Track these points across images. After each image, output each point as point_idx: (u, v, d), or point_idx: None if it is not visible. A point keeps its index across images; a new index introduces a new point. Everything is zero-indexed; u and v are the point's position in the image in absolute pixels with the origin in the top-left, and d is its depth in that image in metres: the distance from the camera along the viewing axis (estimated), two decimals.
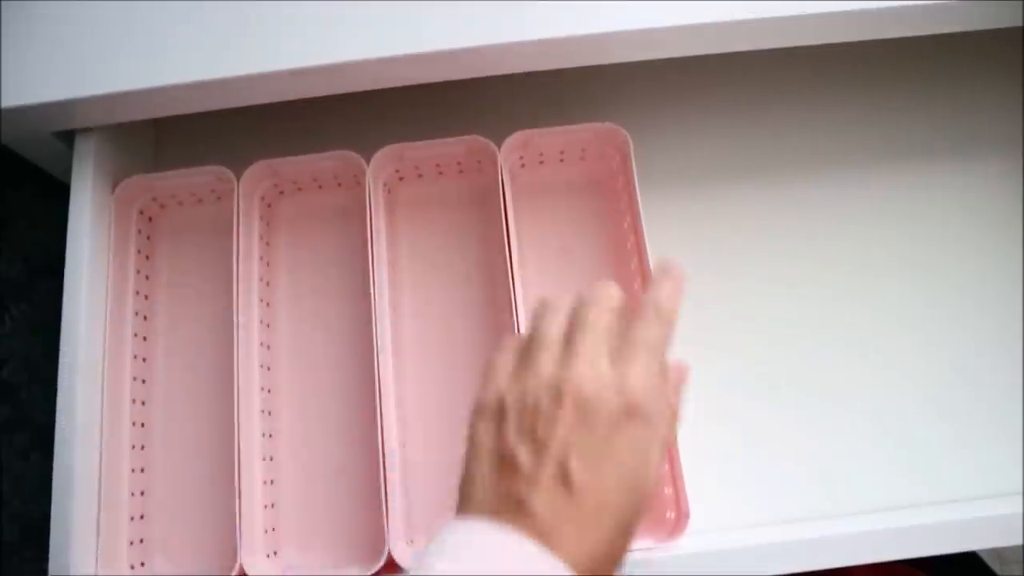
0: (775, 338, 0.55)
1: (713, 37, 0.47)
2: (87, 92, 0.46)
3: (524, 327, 0.37)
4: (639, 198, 0.51)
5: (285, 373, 0.53)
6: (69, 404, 0.46)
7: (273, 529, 0.50)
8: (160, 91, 0.46)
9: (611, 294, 0.36)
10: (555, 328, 0.35)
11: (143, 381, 0.52)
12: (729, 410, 0.53)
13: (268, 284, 0.54)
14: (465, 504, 0.33)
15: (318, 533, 0.50)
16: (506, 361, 0.36)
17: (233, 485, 0.46)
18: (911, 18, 0.47)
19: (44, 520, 0.44)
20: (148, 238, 0.55)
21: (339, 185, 0.56)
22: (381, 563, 0.45)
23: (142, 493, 0.51)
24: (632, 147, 0.52)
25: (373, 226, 0.51)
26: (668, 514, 0.47)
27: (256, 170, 0.53)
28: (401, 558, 0.45)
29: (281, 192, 0.56)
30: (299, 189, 0.56)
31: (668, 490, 0.48)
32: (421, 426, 0.52)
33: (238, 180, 0.52)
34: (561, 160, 0.57)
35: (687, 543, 0.45)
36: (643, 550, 0.45)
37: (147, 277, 0.54)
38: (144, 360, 0.53)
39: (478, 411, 0.35)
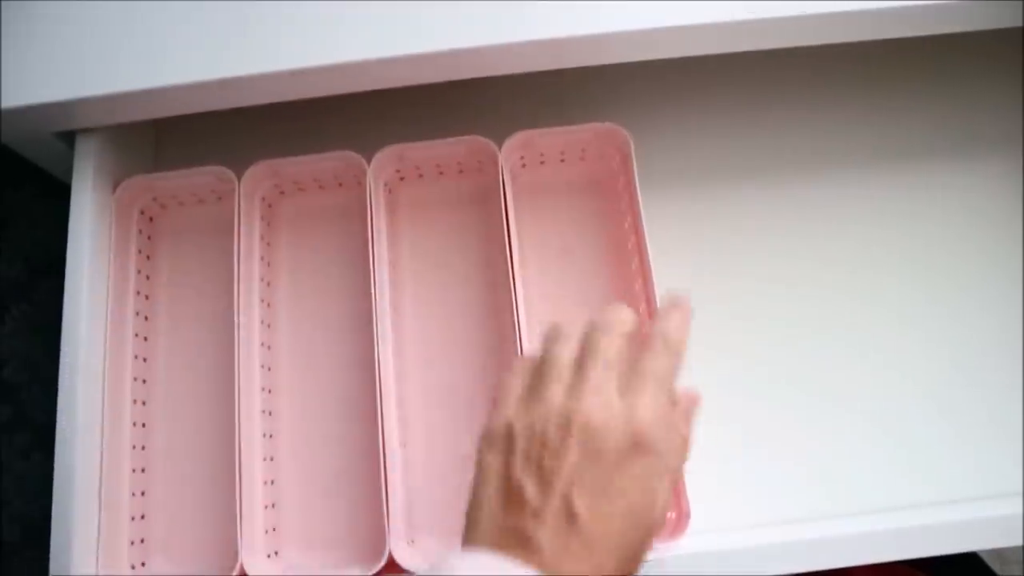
0: (775, 338, 0.55)
1: (713, 37, 0.47)
2: (88, 92, 0.46)
3: (536, 350, 0.37)
4: (640, 198, 0.51)
5: (286, 373, 0.53)
6: (70, 404, 0.46)
7: (274, 529, 0.50)
8: (161, 91, 0.46)
9: (623, 319, 0.36)
10: (566, 354, 0.35)
11: (144, 381, 0.52)
12: (729, 410, 0.53)
13: (269, 284, 0.54)
14: (471, 530, 0.33)
15: (319, 533, 0.50)
16: (516, 386, 0.36)
17: (234, 485, 0.46)
18: (911, 18, 0.47)
19: (45, 520, 0.45)
20: (149, 238, 0.55)
21: (340, 185, 0.56)
22: (382, 563, 0.45)
23: (143, 493, 0.51)
24: (633, 147, 0.52)
25: (374, 226, 0.51)
26: (669, 514, 0.47)
27: (257, 170, 0.53)
28: (402, 558, 0.45)
29: (282, 192, 0.56)
30: (300, 189, 0.56)
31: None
32: (422, 426, 0.52)
33: (239, 180, 0.52)
34: (562, 160, 0.57)
35: (687, 543, 0.45)
36: None
37: (148, 277, 0.54)
38: (145, 360, 0.53)
39: (487, 437, 0.35)
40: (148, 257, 0.55)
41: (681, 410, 0.36)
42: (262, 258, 0.54)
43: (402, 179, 0.56)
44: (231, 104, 0.48)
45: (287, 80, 0.46)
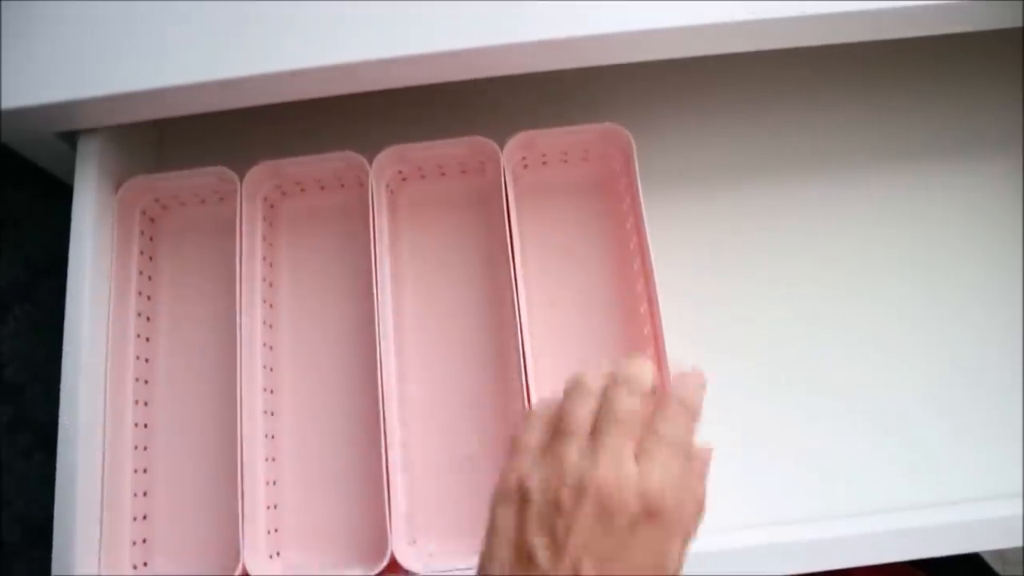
0: (777, 338, 0.55)
1: (714, 38, 0.47)
2: (90, 93, 0.46)
3: (548, 400, 0.37)
4: (642, 199, 0.51)
5: (287, 374, 0.53)
6: (72, 404, 0.46)
7: (276, 530, 0.50)
8: (163, 92, 0.46)
9: (642, 375, 0.35)
10: (584, 412, 0.35)
11: (146, 382, 0.52)
12: (730, 410, 0.53)
13: (271, 285, 0.54)
14: None
15: (320, 534, 0.50)
16: (530, 440, 0.36)
17: (235, 485, 0.46)
18: (911, 19, 0.47)
19: (47, 520, 0.45)
20: (151, 239, 0.55)
21: (342, 186, 0.56)
22: (384, 564, 0.45)
23: (144, 493, 0.51)
24: (635, 148, 0.52)
25: (375, 227, 0.51)
26: None
27: (259, 171, 0.53)
28: (403, 559, 0.45)
29: (284, 193, 0.56)
30: (302, 190, 0.56)
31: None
32: (423, 427, 0.52)
33: (241, 181, 0.52)
34: (564, 161, 0.57)
35: None
36: None
37: (150, 278, 0.54)
38: (147, 361, 0.53)
39: (501, 493, 0.35)
40: (150, 258, 0.55)
41: (696, 470, 0.36)
42: (264, 258, 0.54)
43: (404, 180, 0.56)
44: (233, 104, 0.48)
45: (289, 80, 0.46)
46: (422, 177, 0.56)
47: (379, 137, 0.53)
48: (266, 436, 0.51)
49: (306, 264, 0.56)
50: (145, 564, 0.49)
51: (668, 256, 0.51)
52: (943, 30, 0.49)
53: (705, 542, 0.45)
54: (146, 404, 0.52)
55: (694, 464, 0.35)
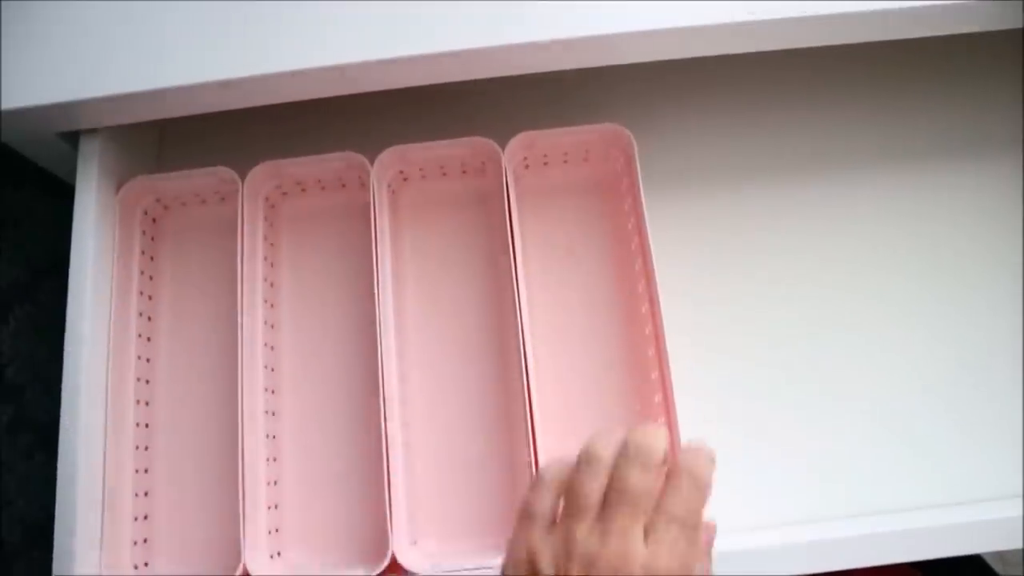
0: (778, 339, 0.55)
1: (714, 39, 0.47)
2: (91, 93, 0.46)
3: (558, 464, 0.37)
4: (643, 199, 0.51)
5: (289, 374, 0.53)
6: (73, 404, 0.46)
7: (277, 530, 0.50)
8: (164, 92, 0.46)
9: (655, 447, 0.35)
10: (595, 488, 0.35)
11: (147, 382, 0.52)
12: (730, 411, 0.53)
13: (272, 285, 0.54)
14: None
15: (321, 534, 0.50)
16: (541, 509, 0.36)
17: (237, 486, 0.46)
18: (913, 20, 0.47)
19: (48, 520, 0.45)
20: (152, 239, 0.55)
21: (343, 186, 0.56)
22: (384, 564, 0.45)
23: (145, 494, 0.51)
24: (636, 148, 0.52)
25: (377, 227, 0.51)
26: None
27: (260, 171, 0.53)
28: (404, 559, 0.45)
29: (285, 193, 0.56)
30: (303, 190, 0.56)
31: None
32: (424, 427, 0.52)
33: (242, 181, 0.52)
34: (565, 161, 0.57)
35: None
36: None
37: (151, 278, 0.54)
38: (148, 361, 0.53)
39: (510, 562, 0.35)
40: (151, 258, 0.55)
41: (702, 544, 0.36)
42: (265, 259, 0.54)
43: (405, 180, 0.56)
44: (234, 105, 0.48)
45: (290, 81, 0.46)
46: (423, 178, 0.56)
47: (379, 137, 0.53)
48: (267, 436, 0.51)
49: (307, 264, 0.56)
50: (146, 564, 0.49)
51: (669, 256, 0.51)
52: (945, 31, 0.49)
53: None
54: (147, 404, 0.52)
55: (701, 538, 0.35)
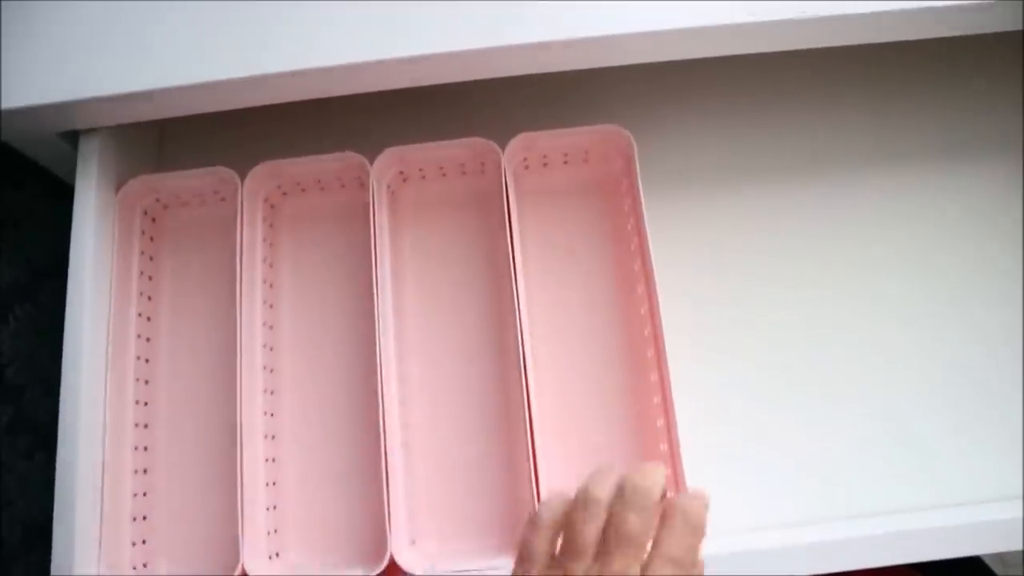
0: (777, 340, 0.55)
1: (714, 40, 0.47)
2: (91, 93, 0.46)
3: (557, 502, 0.37)
4: (643, 200, 0.51)
5: (288, 374, 0.53)
6: (73, 405, 0.46)
7: (276, 530, 0.50)
8: (164, 92, 0.46)
9: (652, 489, 0.36)
10: (592, 530, 0.35)
11: (146, 382, 0.52)
12: (730, 412, 0.53)
13: (271, 285, 0.54)
14: None
15: (320, 534, 0.50)
16: (540, 547, 0.36)
17: (236, 486, 0.46)
18: (911, 22, 0.47)
19: (47, 521, 0.45)
20: (151, 239, 0.55)
21: (342, 187, 0.56)
22: (383, 564, 0.45)
23: (145, 494, 0.51)
24: (636, 149, 0.52)
25: (376, 227, 0.51)
26: None
27: (260, 171, 0.53)
28: (403, 559, 0.45)
29: (284, 193, 0.56)
30: (302, 190, 0.56)
31: (669, 493, 0.48)
32: (423, 428, 0.52)
33: (241, 181, 0.52)
34: (565, 162, 0.57)
35: None
36: None
37: (150, 278, 0.54)
38: (147, 361, 0.53)
39: None
40: (151, 258, 0.55)
41: None
42: (264, 259, 0.54)
43: (404, 180, 0.56)
44: (234, 105, 0.48)
45: (290, 81, 0.46)
46: (423, 178, 0.56)
47: (379, 137, 0.53)
48: (266, 437, 0.51)
49: (307, 264, 0.56)
50: (145, 565, 0.49)
51: (668, 257, 0.51)
52: (943, 33, 0.49)
53: (705, 545, 0.45)
54: (146, 404, 0.52)
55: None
